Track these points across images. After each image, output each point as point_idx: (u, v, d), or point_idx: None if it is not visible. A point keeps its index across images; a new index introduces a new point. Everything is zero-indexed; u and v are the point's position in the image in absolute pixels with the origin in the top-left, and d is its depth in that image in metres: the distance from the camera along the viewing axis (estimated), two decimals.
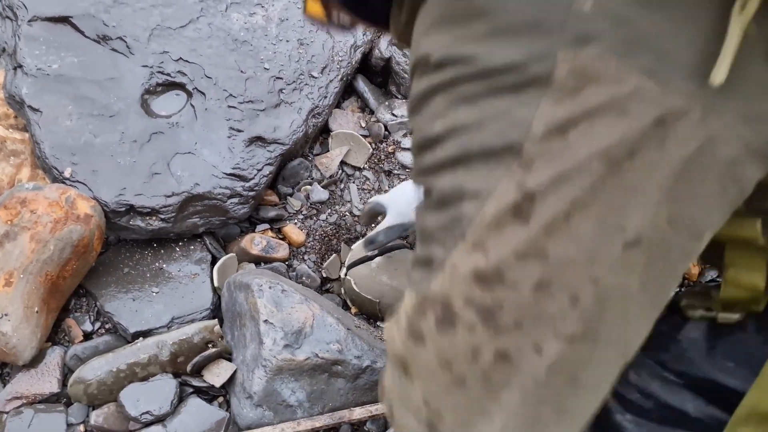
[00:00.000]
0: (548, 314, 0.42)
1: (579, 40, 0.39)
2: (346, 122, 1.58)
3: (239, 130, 1.35)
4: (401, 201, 1.24)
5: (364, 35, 1.59)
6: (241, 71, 1.41)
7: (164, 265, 1.29)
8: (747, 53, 0.37)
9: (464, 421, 0.45)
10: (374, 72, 1.67)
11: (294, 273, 1.36)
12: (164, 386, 1.14)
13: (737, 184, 0.41)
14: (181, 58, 1.38)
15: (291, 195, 1.45)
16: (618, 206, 0.39)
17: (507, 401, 0.44)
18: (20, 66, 1.30)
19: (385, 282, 1.27)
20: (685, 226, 0.41)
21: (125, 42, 1.36)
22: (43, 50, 1.32)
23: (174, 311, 1.23)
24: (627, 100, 0.38)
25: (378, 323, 1.31)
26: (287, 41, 1.49)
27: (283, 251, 1.36)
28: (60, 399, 1.17)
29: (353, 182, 1.51)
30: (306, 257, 1.39)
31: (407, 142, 1.55)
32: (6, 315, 1.10)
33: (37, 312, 1.14)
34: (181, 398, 1.15)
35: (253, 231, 1.40)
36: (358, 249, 1.32)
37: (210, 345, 1.18)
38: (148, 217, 1.25)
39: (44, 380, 1.16)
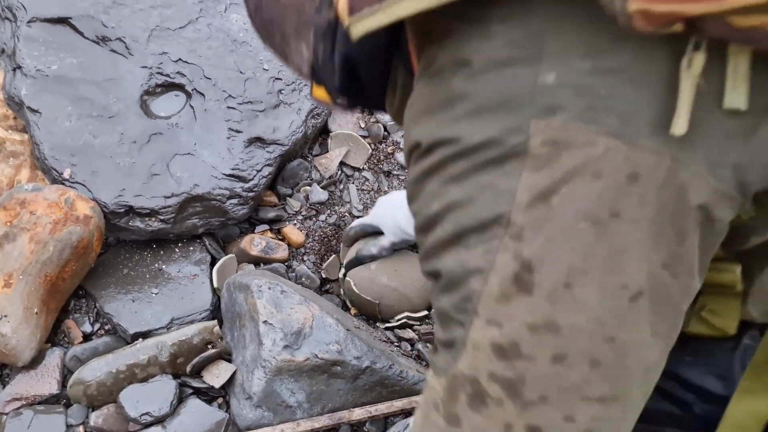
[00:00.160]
0: (571, 384, 0.42)
1: (547, 110, 0.41)
2: (345, 123, 1.58)
3: (238, 131, 1.35)
4: (390, 220, 1.25)
5: None
6: (241, 72, 1.41)
7: (164, 266, 1.29)
8: (703, 105, 0.40)
9: None
10: None
11: (293, 274, 1.36)
12: (164, 387, 1.14)
13: (712, 224, 0.43)
14: (180, 59, 1.38)
15: (290, 196, 1.45)
16: (614, 268, 0.41)
17: None
18: (19, 67, 1.30)
19: (385, 283, 1.27)
20: (680, 266, 0.43)
21: (124, 43, 1.36)
22: (42, 51, 1.32)
23: (173, 312, 1.23)
24: (599, 162, 0.40)
25: (377, 324, 1.32)
26: None
27: (282, 252, 1.36)
28: (59, 400, 1.17)
29: (353, 183, 1.51)
30: (305, 258, 1.39)
31: None
32: (5, 316, 1.10)
33: (36, 313, 1.14)
34: (180, 399, 1.15)
35: (253, 232, 1.39)
36: (355, 249, 1.32)
37: (209, 346, 1.18)
38: (147, 218, 1.25)
39: (44, 381, 1.16)
